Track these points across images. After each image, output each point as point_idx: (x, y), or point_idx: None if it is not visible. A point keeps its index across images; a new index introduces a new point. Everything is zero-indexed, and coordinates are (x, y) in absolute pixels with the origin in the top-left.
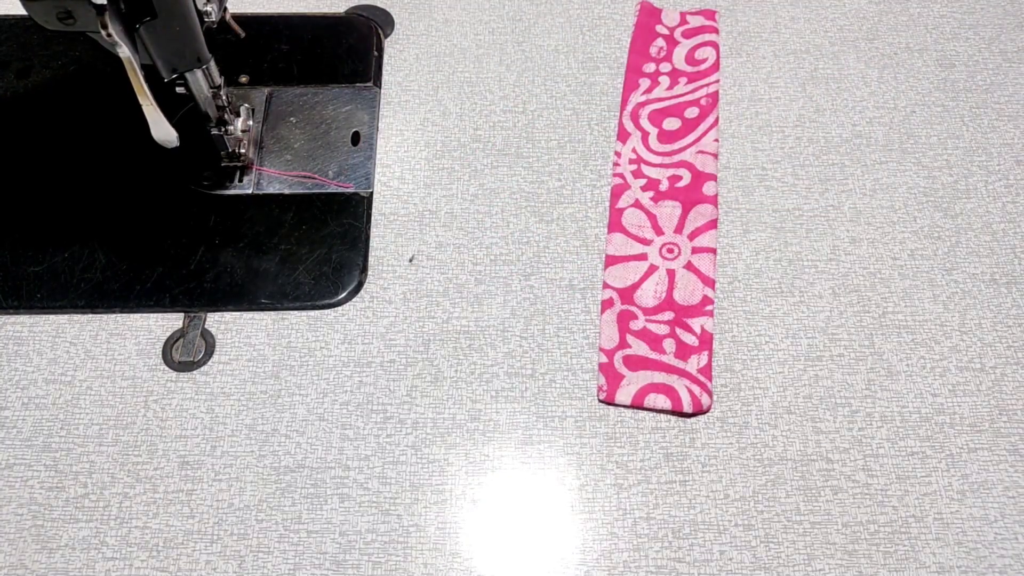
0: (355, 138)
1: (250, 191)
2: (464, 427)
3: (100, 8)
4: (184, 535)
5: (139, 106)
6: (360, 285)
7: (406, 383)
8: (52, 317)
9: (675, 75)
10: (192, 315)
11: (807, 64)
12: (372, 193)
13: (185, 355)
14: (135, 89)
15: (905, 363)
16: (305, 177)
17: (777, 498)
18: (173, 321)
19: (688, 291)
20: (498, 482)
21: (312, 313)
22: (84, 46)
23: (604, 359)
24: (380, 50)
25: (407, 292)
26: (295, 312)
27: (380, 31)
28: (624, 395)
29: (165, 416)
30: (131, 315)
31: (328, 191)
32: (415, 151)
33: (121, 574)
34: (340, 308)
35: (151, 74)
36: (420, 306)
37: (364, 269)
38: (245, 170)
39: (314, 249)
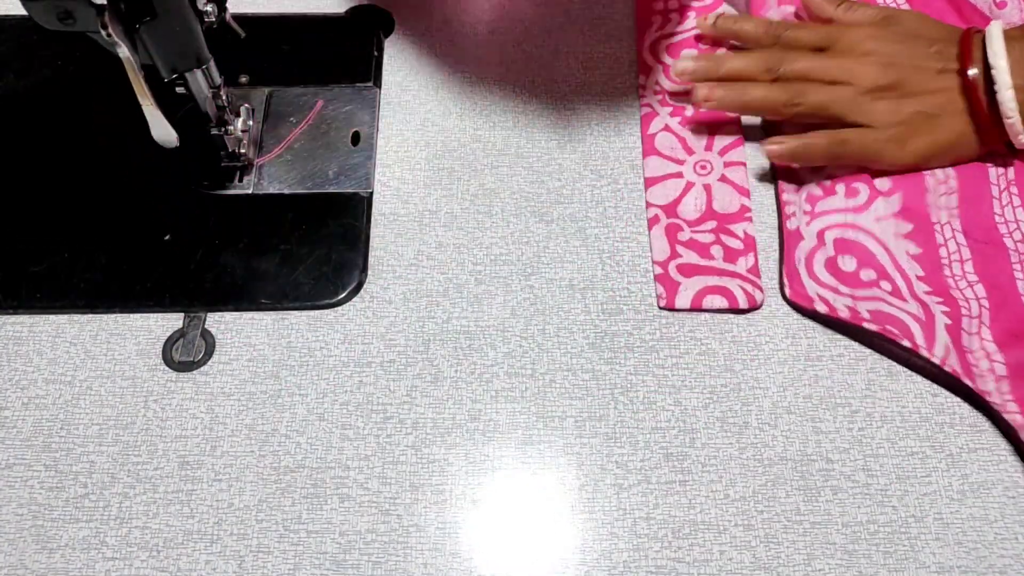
0: (355, 138)
1: (250, 191)
2: (464, 427)
3: (100, 8)
4: (184, 535)
5: (139, 106)
6: (360, 285)
7: (406, 383)
8: (52, 317)
9: (683, 10)
10: (192, 315)
11: None
12: (372, 193)
13: (185, 355)
14: (135, 89)
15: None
16: None
17: (777, 498)
18: (173, 321)
19: (726, 201)
20: (498, 482)
21: (312, 313)
22: (84, 46)
23: (659, 270)
24: (380, 50)
25: (407, 292)
26: (295, 312)
27: (380, 32)
28: (683, 299)
29: (165, 416)
30: (131, 315)
31: (327, 191)
32: (415, 151)
33: (121, 574)
34: (340, 308)
35: (151, 74)
36: (420, 306)
37: (364, 269)
38: (245, 170)
39: (314, 249)
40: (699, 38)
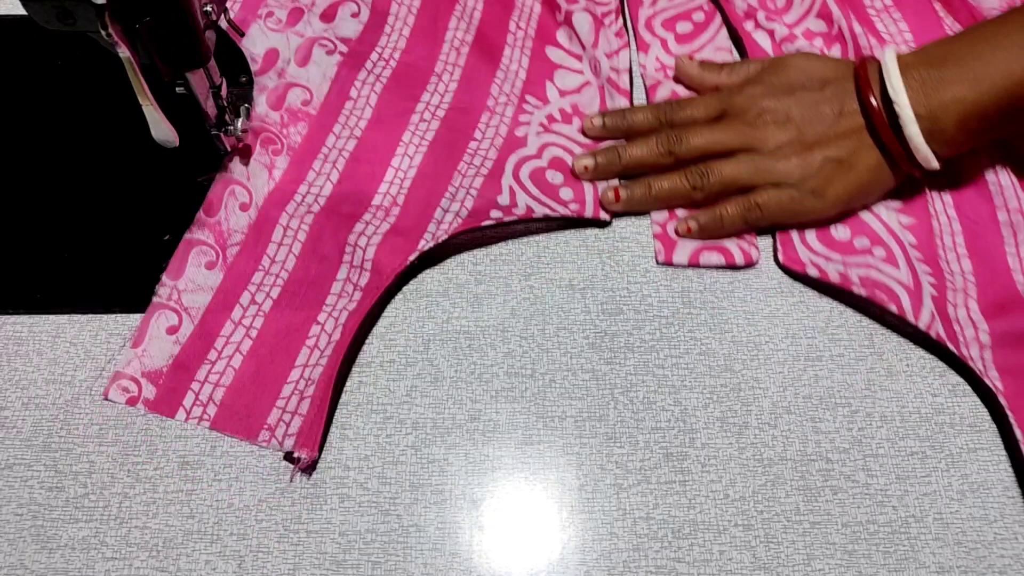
0: None
1: None
2: (464, 427)
3: (100, 8)
4: (184, 535)
5: (139, 106)
6: None
7: (406, 383)
8: (52, 317)
9: None
10: None
11: None
12: None
13: None
14: (135, 89)
15: (905, 363)
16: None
17: (777, 498)
18: None
19: None
20: (498, 482)
21: None
22: (84, 46)
23: (658, 229)
24: None
25: (407, 292)
26: None
27: None
28: (680, 256)
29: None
30: (131, 315)
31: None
32: None
33: (121, 574)
34: None
35: (151, 74)
36: (420, 306)
37: None
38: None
39: None
40: (693, 10)
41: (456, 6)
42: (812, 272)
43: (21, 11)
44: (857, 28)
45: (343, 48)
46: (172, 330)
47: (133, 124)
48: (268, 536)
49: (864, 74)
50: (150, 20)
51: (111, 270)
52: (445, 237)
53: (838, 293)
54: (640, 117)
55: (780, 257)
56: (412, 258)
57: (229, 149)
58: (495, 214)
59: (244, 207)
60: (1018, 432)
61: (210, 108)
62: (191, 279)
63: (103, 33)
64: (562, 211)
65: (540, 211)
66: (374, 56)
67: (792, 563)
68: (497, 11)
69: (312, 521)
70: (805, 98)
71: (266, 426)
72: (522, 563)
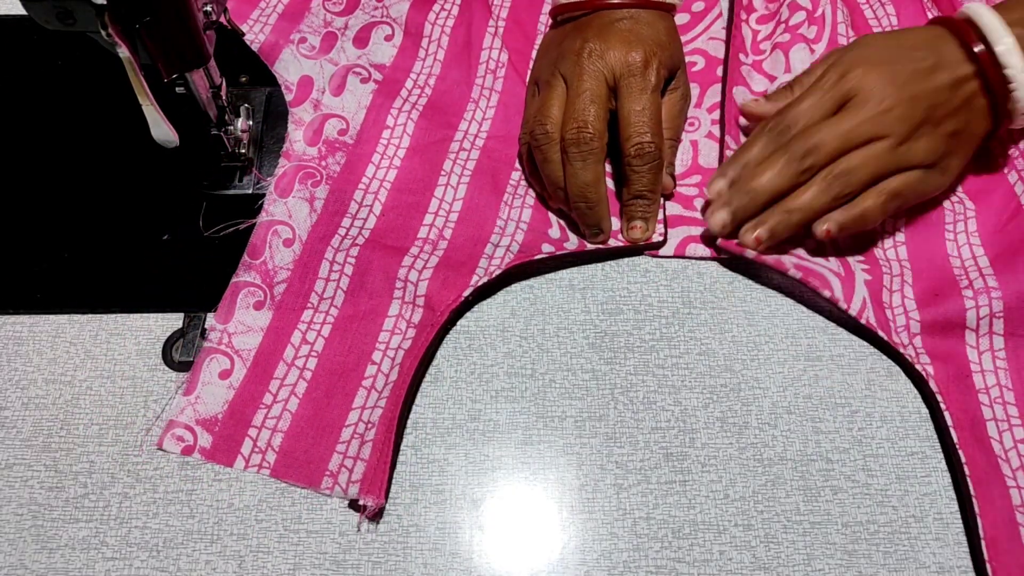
0: None
1: (250, 191)
2: (464, 427)
3: (100, 8)
4: (184, 535)
5: (139, 106)
6: None
7: None
8: (52, 317)
9: None
10: (192, 315)
11: None
12: None
13: (185, 355)
14: (135, 89)
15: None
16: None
17: (777, 498)
18: (173, 321)
19: (711, 157)
20: (498, 482)
21: None
22: (84, 46)
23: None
24: None
25: None
26: None
27: None
28: (667, 248)
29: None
30: (131, 315)
31: None
32: None
33: (121, 574)
34: None
35: (151, 74)
36: None
37: None
38: (245, 170)
39: None
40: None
41: (489, 21)
42: (749, 254)
43: (21, 11)
44: (839, 16)
45: (377, 76)
46: (225, 374)
47: (133, 124)
48: (268, 536)
49: (967, 33)
50: (150, 20)
51: (111, 270)
52: (498, 272)
53: (777, 274)
54: (758, 151)
55: (718, 240)
56: (466, 294)
57: (230, 149)
58: (547, 248)
59: (288, 243)
60: (948, 417)
61: (210, 108)
62: (240, 321)
63: (103, 33)
64: (614, 242)
65: (592, 244)
66: (408, 83)
67: (792, 563)
68: (522, 24)
69: (312, 521)
70: (912, 67)
71: (328, 472)
72: (522, 563)
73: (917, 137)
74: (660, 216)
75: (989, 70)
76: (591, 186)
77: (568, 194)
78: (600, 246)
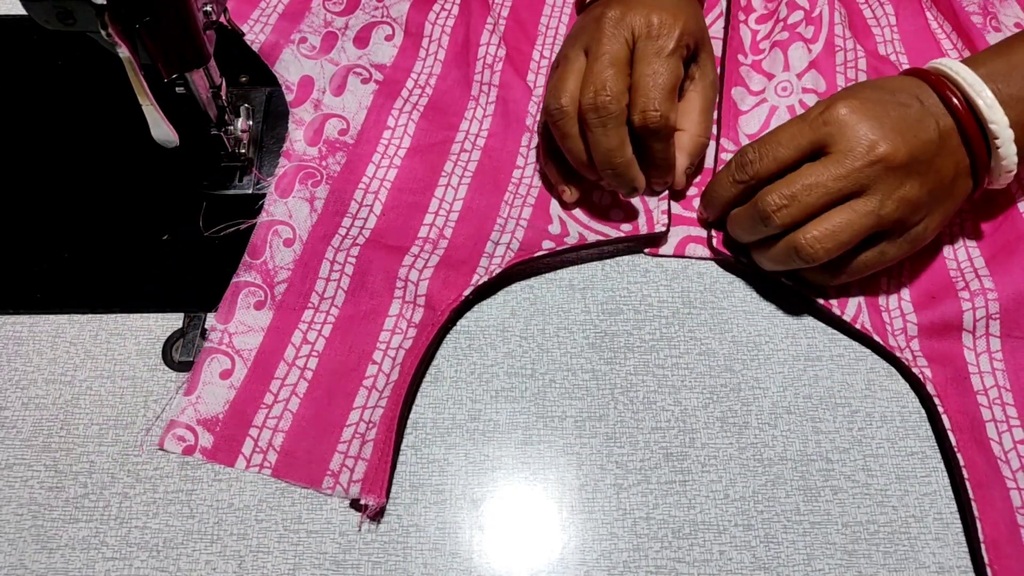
0: None
1: (250, 191)
2: (464, 427)
3: (100, 8)
4: (184, 535)
5: (139, 106)
6: None
7: None
8: (52, 317)
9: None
10: (192, 315)
11: None
12: None
13: (185, 355)
14: (135, 89)
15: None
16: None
17: (777, 498)
18: (173, 321)
19: (708, 158)
20: (498, 482)
21: None
22: (84, 46)
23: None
24: None
25: None
26: None
27: None
28: (667, 248)
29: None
30: (131, 315)
31: None
32: None
33: (121, 574)
34: None
35: (151, 74)
36: None
37: None
38: (245, 170)
39: None
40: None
41: (488, 17)
42: (743, 259)
43: (21, 11)
44: (837, 17)
45: (378, 76)
46: (226, 374)
47: (133, 124)
48: (268, 536)
49: (943, 88)
50: (150, 20)
51: (111, 270)
52: (499, 271)
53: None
54: (727, 194)
55: (714, 243)
56: (467, 293)
57: (230, 149)
58: (547, 244)
59: (288, 242)
60: (946, 420)
61: (210, 108)
62: (241, 321)
63: (103, 33)
64: (615, 233)
65: (593, 237)
66: (409, 83)
67: (792, 563)
68: (523, 24)
69: (312, 521)
70: (899, 117)
71: (329, 472)
72: (522, 563)
73: (915, 213)
74: (664, 207)
75: (969, 125)
76: (615, 151)
77: (596, 164)
78: (600, 238)
